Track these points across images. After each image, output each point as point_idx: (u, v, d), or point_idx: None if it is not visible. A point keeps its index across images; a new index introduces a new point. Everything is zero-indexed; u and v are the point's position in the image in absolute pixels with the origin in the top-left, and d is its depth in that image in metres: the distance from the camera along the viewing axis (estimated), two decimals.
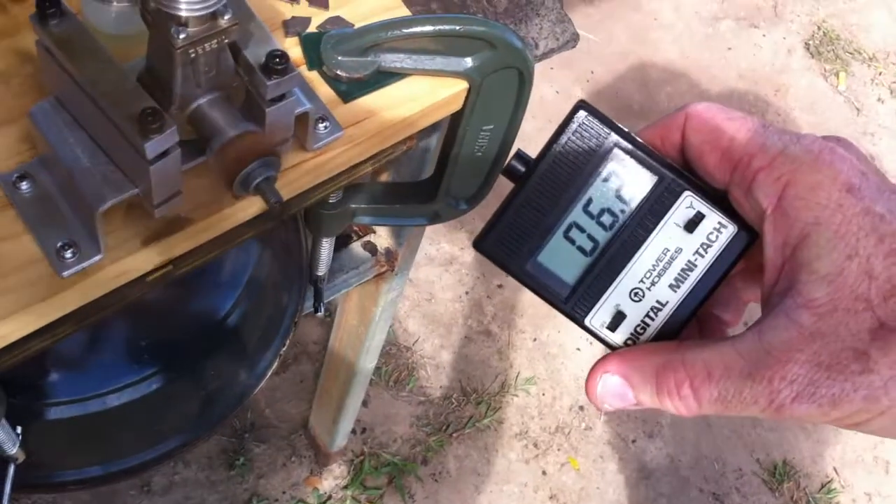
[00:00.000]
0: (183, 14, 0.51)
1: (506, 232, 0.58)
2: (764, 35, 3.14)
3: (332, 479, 2.02)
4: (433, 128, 0.84)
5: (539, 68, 2.66)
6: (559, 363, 2.29)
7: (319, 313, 1.09)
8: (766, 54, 3.08)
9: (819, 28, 3.20)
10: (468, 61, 0.72)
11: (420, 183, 0.88)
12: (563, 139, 0.56)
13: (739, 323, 0.60)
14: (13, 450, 0.86)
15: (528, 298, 2.34)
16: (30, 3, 0.70)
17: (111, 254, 0.61)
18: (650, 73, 2.88)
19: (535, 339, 2.30)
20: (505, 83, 0.74)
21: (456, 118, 0.78)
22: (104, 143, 0.58)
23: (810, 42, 3.15)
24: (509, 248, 0.58)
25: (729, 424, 2.30)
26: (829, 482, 2.28)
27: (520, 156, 0.58)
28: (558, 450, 2.18)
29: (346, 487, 2.01)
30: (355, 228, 1.25)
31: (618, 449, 2.22)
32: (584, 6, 2.99)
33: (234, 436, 1.99)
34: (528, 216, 0.57)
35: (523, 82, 0.74)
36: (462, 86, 0.74)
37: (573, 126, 0.56)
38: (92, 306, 0.64)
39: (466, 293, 2.33)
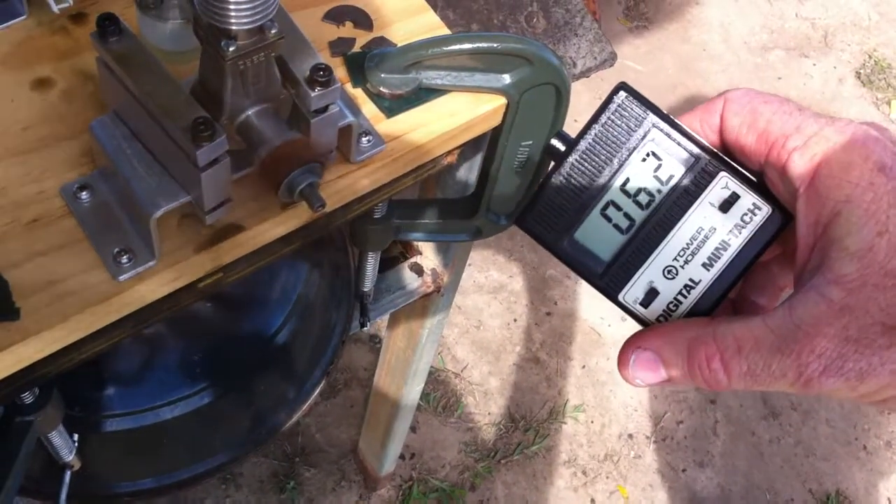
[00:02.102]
0: (232, 28, 0.54)
1: (545, 209, 0.60)
2: (814, 64, 3.13)
3: (381, 503, 2.04)
4: (476, 145, 0.87)
5: (588, 99, 2.69)
6: (608, 391, 2.29)
7: (366, 328, 1.11)
8: (816, 84, 3.07)
9: (870, 57, 3.18)
10: (506, 78, 0.74)
11: (461, 199, 0.90)
12: (603, 119, 0.58)
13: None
14: (69, 457, 0.89)
15: (577, 325, 2.35)
16: (91, 24, 0.74)
17: (165, 260, 0.64)
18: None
19: (583, 367, 2.31)
20: (542, 99, 0.76)
21: (495, 134, 0.80)
22: (159, 154, 0.62)
23: (861, 71, 3.13)
24: (548, 224, 0.60)
25: (781, 453, 2.27)
26: None
27: (560, 135, 0.60)
28: (607, 478, 2.18)
29: None
30: (402, 250, 1.27)
31: (667, 478, 2.21)
32: (632, 37, 3.01)
33: (285, 459, 2.02)
34: (566, 194, 0.59)
35: (560, 98, 0.76)
36: (500, 101, 0.76)
37: (613, 106, 0.58)
38: (146, 311, 0.66)
39: (515, 320, 2.34)
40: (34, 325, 0.60)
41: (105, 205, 0.65)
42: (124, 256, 0.63)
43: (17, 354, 0.60)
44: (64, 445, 0.87)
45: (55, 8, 0.73)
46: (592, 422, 2.24)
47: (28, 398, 0.77)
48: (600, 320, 2.36)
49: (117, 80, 0.61)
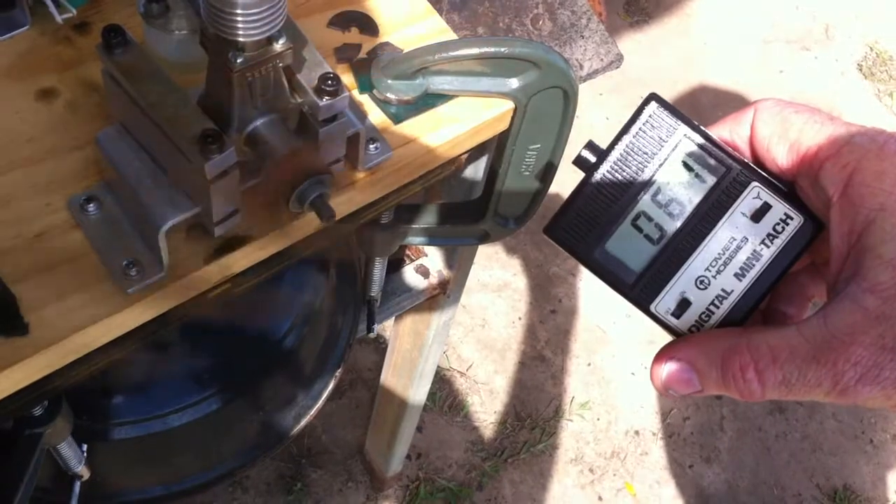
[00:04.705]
0: (240, 39, 0.54)
1: (575, 219, 0.59)
2: (815, 57, 3.12)
3: None
4: (483, 149, 0.86)
5: (589, 95, 2.68)
6: (613, 388, 2.28)
7: (371, 334, 1.11)
8: (818, 76, 3.07)
9: (871, 49, 3.17)
10: (514, 82, 0.74)
11: (469, 203, 0.90)
12: (634, 129, 0.58)
13: (803, 318, 0.61)
14: (79, 467, 0.88)
15: (582, 323, 2.35)
16: (95, 34, 0.73)
17: (173, 271, 0.64)
18: (701, 98, 2.88)
19: (589, 364, 2.30)
20: (550, 103, 0.76)
21: (503, 138, 0.79)
22: (167, 166, 0.61)
23: (863, 63, 3.13)
24: (578, 235, 0.59)
25: (788, 449, 2.27)
26: None
27: (591, 145, 0.59)
28: (614, 475, 2.17)
29: None
30: (408, 252, 1.27)
31: (675, 474, 2.20)
32: (633, 32, 3.01)
33: (292, 461, 2.02)
34: (597, 204, 0.59)
35: (568, 101, 0.75)
36: (508, 106, 0.76)
37: (644, 117, 0.58)
38: (155, 322, 0.66)
39: (520, 318, 2.33)
40: (43, 340, 0.60)
41: (112, 217, 0.65)
42: (132, 269, 0.62)
43: (26, 370, 0.60)
44: (73, 456, 0.86)
45: (58, 18, 0.73)
46: (599, 419, 2.24)
47: (37, 411, 0.76)
48: (605, 318, 2.36)
49: (124, 92, 0.60)
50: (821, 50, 3.15)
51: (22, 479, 0.75)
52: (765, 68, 3.05)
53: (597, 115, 2.68)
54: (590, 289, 2.39)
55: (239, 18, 0.53)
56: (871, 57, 3.15)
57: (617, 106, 2.73)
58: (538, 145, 0.80)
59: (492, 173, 0.83)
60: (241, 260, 0.67)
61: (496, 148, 0.82)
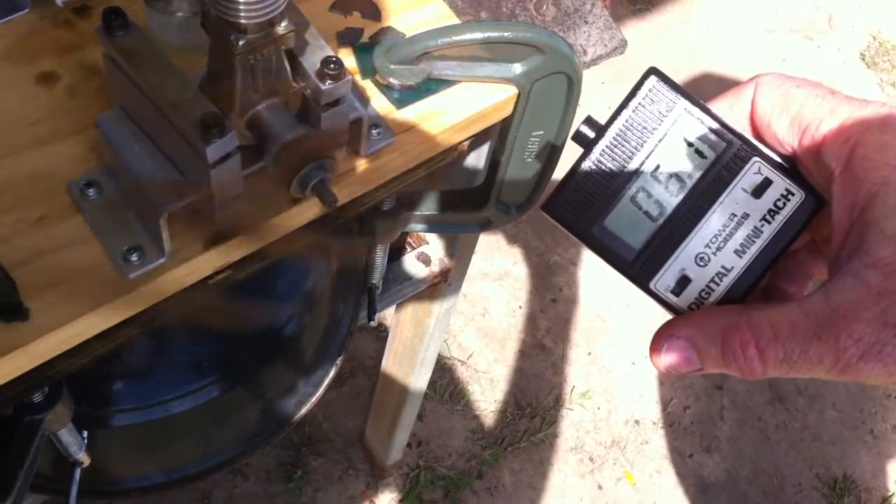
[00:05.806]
0: (242, 21, 0.53)
1: (574, 196, 0.58)
2: (818, 46, 3.11)
3: (388, 492, 2.03)
4: (485, 135, 0.86)
5: (591, 84, 2.67)
6: (614, 377, 2.28)
7: (372, 322, 1.10)
8: (821, 66, 3.06)
9: (875, 38, 3.16)
10: (517, 67, 0.73)
11: (471, 190, 0.89)
12: (633, 104, 0.57)
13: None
14: (79, 453, 0.88)
15: (583, 312, 2.35)
16: (95, 17, 0.73)
17: (174, 257, 0.64)
18: (703, 87, 2.87)
19: (589, 353, 2.30)
20: (554, 89, 0.75)
21: (505, 124, 0.79)
22: (168, 150, 0.61)
23: (865, 52, 3.12)
24: (577, 211, 0.58)
25: (788, 438, 2.27)
26: (889, 496, 2.25)
27: (589, 121, 0.59)
28: (614, 464, 2.18)
29: (401, 501, 2.02)
30: (409, 240, 1.26)
31: (675, 463, 2.21)
32: (636, 21, 3.00)
33: (292, 449, 2.02)
34: (596, 181, 0.58)
35: (572, 87, 0.75)
36: (511, 92, 0.75)
37: (643, 92, 0.57)
38: (155, 308, 0.66)
39: (520, 307, 2.33)
40: (43, 326, 0.60)
41: (113, 201, 0.64)
42: (133, 254, 0.62)
43: (26, 356, 0.59)
44: (73, 442, 0.86)
45: (59, 1, 0.72)
46: (599, 408, 2.24)
47: (37, 397, 0.76)
48: (606, 307, 2.36)
49: (124, 75, 0.60)
50: (823, 39, 3.14)
51: (22, 465, 0.75)
52: (767, 57, 3.04)
53: (600, 103, 2.67)
54: (590, 278, 2.39)
55: (241, 0, 0.52)
56: (874, 46, 3.14)
57: (620, 94, 2.69)
58: (541, 132, 0.79)
59: (494, 160, 0.83)
60: (243, 246, 0.66)
61: (499, 134, 0.81)
